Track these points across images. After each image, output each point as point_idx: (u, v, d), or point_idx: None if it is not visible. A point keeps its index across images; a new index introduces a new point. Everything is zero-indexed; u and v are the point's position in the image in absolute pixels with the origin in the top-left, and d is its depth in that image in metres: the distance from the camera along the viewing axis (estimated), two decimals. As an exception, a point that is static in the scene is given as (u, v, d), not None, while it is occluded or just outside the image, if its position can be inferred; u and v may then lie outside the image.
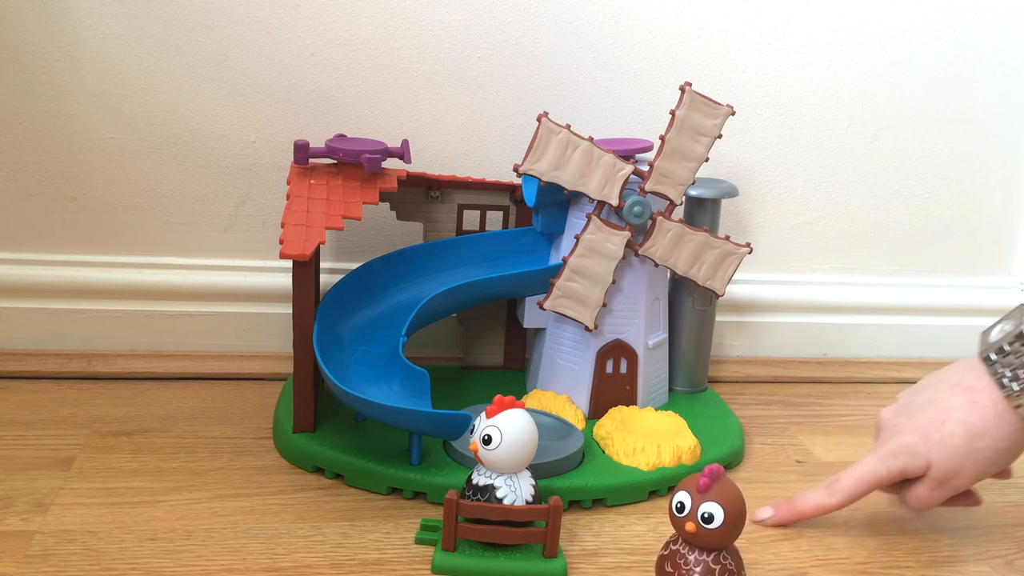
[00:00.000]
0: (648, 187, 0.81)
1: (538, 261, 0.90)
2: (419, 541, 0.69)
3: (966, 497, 0.73)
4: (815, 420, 0.97)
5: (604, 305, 0.84)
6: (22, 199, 0.93)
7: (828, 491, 0.73)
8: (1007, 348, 0.67)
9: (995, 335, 0.69)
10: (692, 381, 0.97)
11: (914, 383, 0.75)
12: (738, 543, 0.63)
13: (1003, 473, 0.73)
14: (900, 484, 0.73)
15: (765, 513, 0.75)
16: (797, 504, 0.74)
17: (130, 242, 0.96)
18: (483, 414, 0.65)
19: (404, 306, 0.86)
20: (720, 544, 0.61)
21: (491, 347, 0.97)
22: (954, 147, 1.10)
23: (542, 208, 0.85)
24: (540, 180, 0.80)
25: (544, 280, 0.84)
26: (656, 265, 0.84)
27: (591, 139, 0.80)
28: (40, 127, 0.91)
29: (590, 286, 0.83)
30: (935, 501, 0.72)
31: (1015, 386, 0.66)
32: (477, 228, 0.92)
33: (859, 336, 1.13)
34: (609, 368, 0.87)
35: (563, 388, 0.88)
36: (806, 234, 1.10)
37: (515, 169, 0.80)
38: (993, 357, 0.68)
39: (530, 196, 0.83)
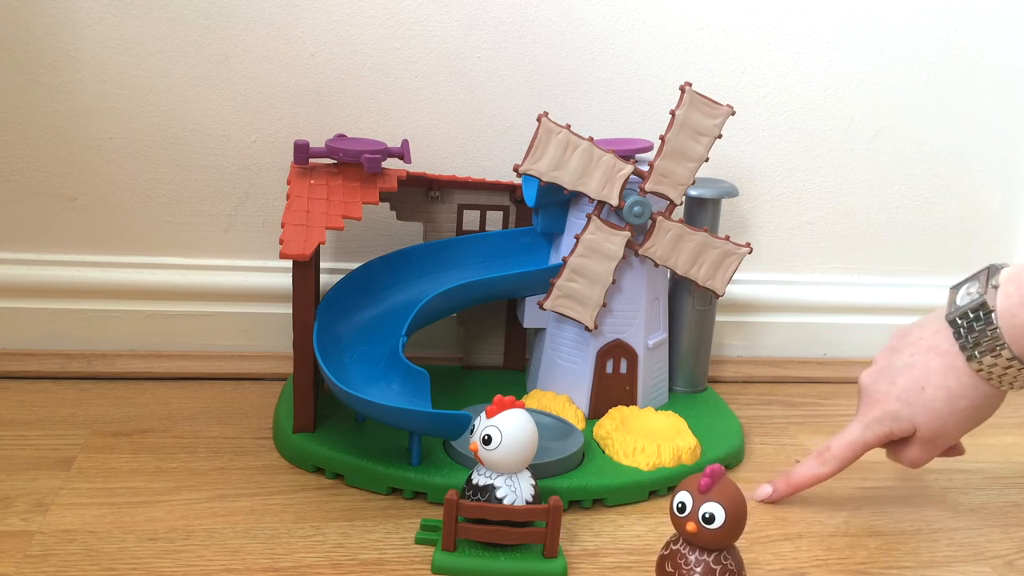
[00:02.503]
0: (648, 187, 0.81)
1: (538, 261, 0.90)
2: (419, 541, 0.69)
3: (954, 448, 0.77)
4: (815, 420, 0.97)
5: (604, 305, 0.84)
6: (22, 199, 0.93)
7: (820, 460, 0.76)
8: (970, 315, 0.68)
9: (961, 298, 0.70)
10: (692, 381, 0.97)
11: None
12: (738, 543, 0.63)
13: (955, 448, 0.77)
14: (890, 443, 0.76)
15: (765, 491, 0.78)
16: (793, 477, 0.77)
17: (130, 242, 0.96)
18: (483, 414, 0.65)
19: (404, 306, 0.86)
20: (721, 544, 0.61)
21: (491, 347, 0.97)
22: (954, 147, 1.10)
23: (542, 208, 0.85)
24: (540, 180, 0.80)
25: (544, 280, 0.84)
26: (656, 265, 0.85)
27: (591, 139, 0.80)
28: (40, 127, 0.91)
29: (590, 286, 0.83)
30: (928, 459, 0.75)
31: (977, 353, 0.68)
32: (477, 228, 0.92)
33: (859, 336, 1.13)
34: (609, 368, 0.87)
35: (563, 388, 0.88)
36: (806, 234, 1.10)
37: (515, 169, 0.80)
38: (958, 322, 0.69)
39: (530, 196, 0.83)
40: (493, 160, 0.99)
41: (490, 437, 0.64)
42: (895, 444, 0.76)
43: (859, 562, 0.71)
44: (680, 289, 0.94)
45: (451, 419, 0.72)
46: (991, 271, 0.69)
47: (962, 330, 0.68)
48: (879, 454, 0.89)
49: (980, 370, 0.68)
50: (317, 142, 0.87)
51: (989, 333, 0.67)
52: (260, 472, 0.77)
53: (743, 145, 1.05)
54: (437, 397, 0.77)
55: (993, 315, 0.66)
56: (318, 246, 0.76)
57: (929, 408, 0.71)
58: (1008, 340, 0.66)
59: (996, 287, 0.67)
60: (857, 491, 0.82)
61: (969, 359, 0.68)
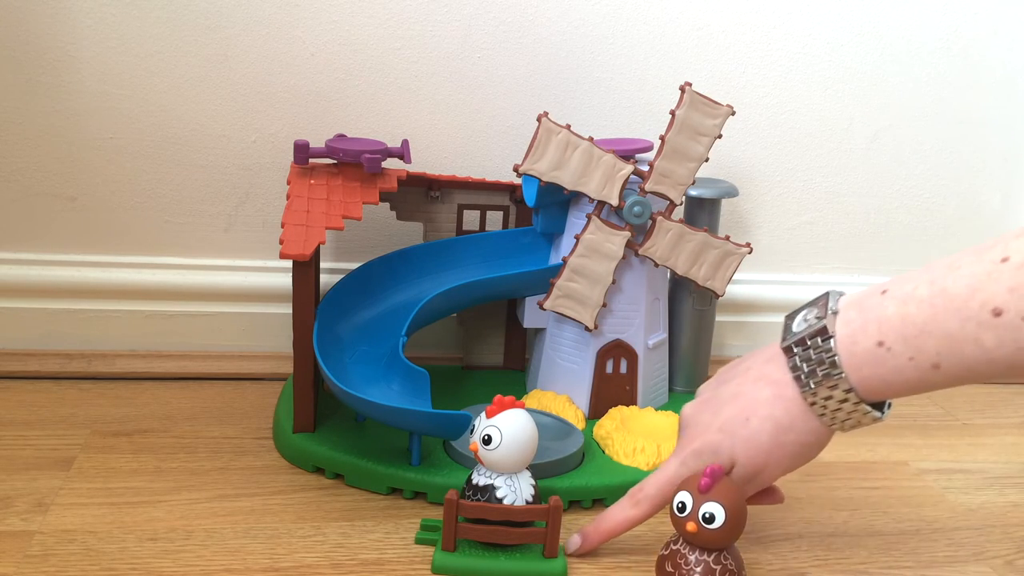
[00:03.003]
0: (648, 187, 0.81)
1: (538, 261, 0.90)
2: (419, 541, 0.69)
3: (770, 495, 0.69)
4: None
5: (604, 305, 0.84)
6: (22, 199, 0.93)
7: (632, 501, 0.68)
8: (808, 342, 0.61)
9: (798, 325, 0.63)
10: (692, 381, 0.97)
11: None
12: (738, 543, 0.63)
13: (773, 495, 0.69)
14: None
15: (574, 542, 0.69)
16: (603, 524, 0.69)
17: (130, 242, 0.96)
18: (483, 414, 0.65)
19: (404, 306, 0.86)
20: (721, 544, 0.61)
21: (491, 347, 0.97)
22: (954, 147, 1.10)
23: (542, 208, 0.85)
24: (540, 180, 0.80)
25: (544, 280, 0.84)
26: (656, 265, 0.84)
27: (591, 139, 0.80)
28: (40, 127, 0.91)
29: (590, 286, 0.83)
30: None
31: (812, 384, 0.61)
32: (477, 228, 0.92)
33: (859, 336, 1.12)
34: (609, 368, 0.87)
35: (563, 388, 0.88)
36: (806, 234, 1.10)
37: (515, 169, 0.80)
38: (794, 349, 0.62)
39: (530, 196, 0.83)
40: (493, 160, 0.99)
41: (490, 437, 0.64)
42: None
43: (859, 562, 0.71)
44: (680, 289, 0.94)
45: (451, 419, 0.72)
46: (830, 297, 0.63)
47: (798, 359, 0.61)
48: (879, 454, 0.89)
49: (814, 403, 0.61)
50: (317, 142, 0.87)
51: (827, 360, 0.60)
52: (260, 472, 0.77)
53: (743, 145, 1.05)
54: (437, 397, 0.77)
55: (832, 341, 0.59)
56: (318, 246, 0.76)
57: (752, 440, 0.63)
58: (846, 368, 0.59)
59: (836, 312, 0.60)
60: (857, 491, 0.82)
61: (803, 390, 0.61)
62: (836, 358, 0.59)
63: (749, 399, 0.64)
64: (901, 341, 0.57)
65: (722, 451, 0.64)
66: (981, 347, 0.54)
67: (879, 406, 0.61)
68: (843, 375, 0.59)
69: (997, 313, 0.53)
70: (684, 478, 0.64)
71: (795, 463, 0.65)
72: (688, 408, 0.69)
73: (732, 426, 0.64)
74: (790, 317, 0.64)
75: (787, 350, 0.62)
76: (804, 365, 0.61)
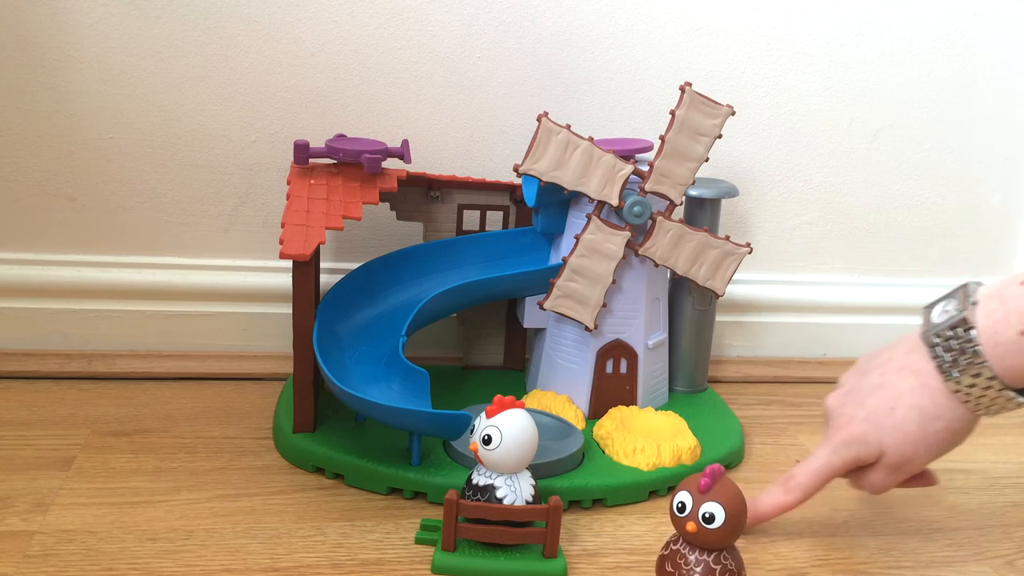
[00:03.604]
0: (648, 187, 0.81)
1: (538, 261, 0.90)
2: (419, 541, 0.69)
3: (924, 478, 0.72)
4: (815, 420, 0.97)
5: (604, 305, 0.84)
6: (22, 199, 0.93)
7: (785, 489, 0.71)
8: (949, 333, 0.64)
9: (937, 316, 0.66)
10: (692, 381, 0.97)
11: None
12: (738, 543, 0.63)
13: (926, 478, 0.72)
14: (854, 470, 0.71)
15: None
16: (757, 507, 0.72)
17: (130, 242, 0.96)
18: (483, 414, 0.65)
19: (404, 306, 0.86)
20: (721, 544, 0.61)
21: (491, 347, 0.97)
22: (954, 147, 1.10)
23: (542, 208, 0.85)
24: (540, 180, 0.80)
25: (544, 280, 0.84)
26: (656, 265, 0.84)
27: (591, 139, 0.80)
28: (40, 127, 0.91)
29: (590, 286, 0.83)
30: (889, 486, 0.70)
31: (955, 372, 0.64)
32: (477, 228, 0.92)
33: (859, 336, 1.13)
34: (609, 368, 0.87)
35: (563, 388, 0.88)
36: (806, 234, 1.10)
37: (515, 169, 0.80)
38: (934, 340, 0.65)
39: (530, 196, 0.83)
40: (493, 160, 0.99)
41: (490, 437, 0.64)
42: (856, 470, 0.71)
43: (859, 562, 0.71)
44: (680, 289, 0.94)
45: (451, 419, 0.72)
46: (967, 289, 0.66)
47: (939, 348, 0.64)
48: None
49: (958, 391, 0.64)
50: (317, 142, 0.87)
51: (969, 351, 0.63)
52: (260, 472, 0.77)
53: (743, 145, 1.05)
54: (437, 397, 0.77)
55: (973, 332, 0.62)
56: (318, 246, 0.76)
57: (899, 430, 0.66)
58: (990, 358, 0.62)
59: (975, 304, 0.64)
60: (857, 491, 0.82)
61: (947, 379, 0.64)
62: (979, 348, 0.62)
63: (893, 389, 0.67)
64: None
65: (870, 440, 0.68)
66: None
67: (1022, 391, 0.64)
68: (986, 364, 0.62)
69: None
70: (836, 468, 0.69)
71: (944, 449, 0.67)
72: (831, 399, 0.72)
73: (877, 416, 0.67)
74: (928, 308, 0.67)
75: (928, 341, 0.65)
76: (946, 355, 0.64)
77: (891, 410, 0.67)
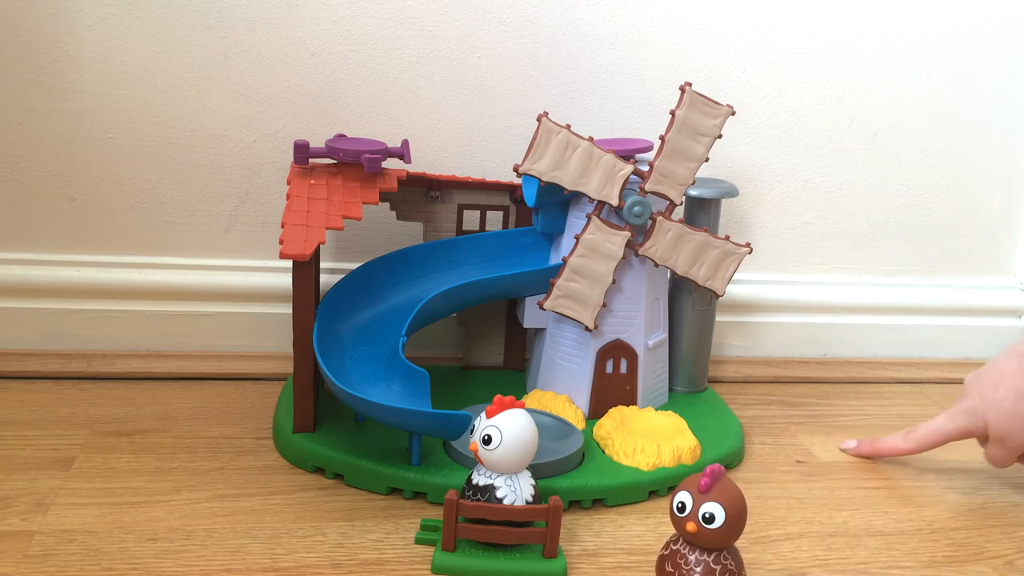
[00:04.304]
0: (648, 187, 0.81)
1: (538, 261, 0.90)
2: (419, 541, 0.69)
3: None
4: (815, 420, 0.97)
5: (604, 305, 0.84)
6: (22, 199, 0.93)
7: (904, 437, 0.82)
8: None
9: None
10: (692, 381, 0.97)
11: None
12: (738, 543, 0.63)
13: None
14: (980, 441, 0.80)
15: (850, 444, 0.86)
16: (878, 443, 0.85)
17: (130, 242, 0.96)
18: (483, 414, 0.65)
19: (404, 306, 0.86)
20: (721, 544, 0.61)
21: (491, 347, 0.97)
22: (954, 147, 1.10)
23: (542, 208, 0.85)
24: (540, 180, 0.80)
25: (544, 280, 0.84)
26: (656, 265, 0.85)
27: (591, 139, 0.80)
28: (40, 127, 0.91)
29: (590, 286, 0.83)
30: (1005, 459, 0.77)
31: None
32: (477, 228, 0.92)
33: (859, 336, 1.13)
34: (609, 368, 0.87)
35: (563, 388, 0.88)
36: (806, 234, 1.10)
37: (515, 169, 0.80)
38: None
39: (530, 196, 0.83)
40: (493, 160, 0.99)
41: (490, 437, 0.64)
42: (984, 443, 0.79)
43: (859, 562, 0.71)
44: (680, 289, 0.94)
45: (451, 419, 0.72)
46: None
47: None
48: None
49: None
50: (317, 142, 0.87)
51: None
52: (260, 472, 0.77)
53: (743, 145, 1.05)
54: (437, 397, 0.77)
55: None
56: (318, 246, 0.76)
57: (998, 407, 0.73)
58: None
59: None
60: (857, 491, 0.82)
61: None
62: None
63: (1001, 369, 0.75)
64: None
65: (977, 413, 0.76)
66: None
67: None
68: None
69: None
70: (949, 432, 0.79)
71: None
72: (969, 375, 0.80)
73: (986, 392, 0.75)
74: None
75: None
76: None
77: (995, 388, 0.74)
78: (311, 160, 0.85)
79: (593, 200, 0.82)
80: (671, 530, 0.63)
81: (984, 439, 0.78)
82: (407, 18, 0.94)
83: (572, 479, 0.76)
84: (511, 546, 0.67)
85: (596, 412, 0.87)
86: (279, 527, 0.70)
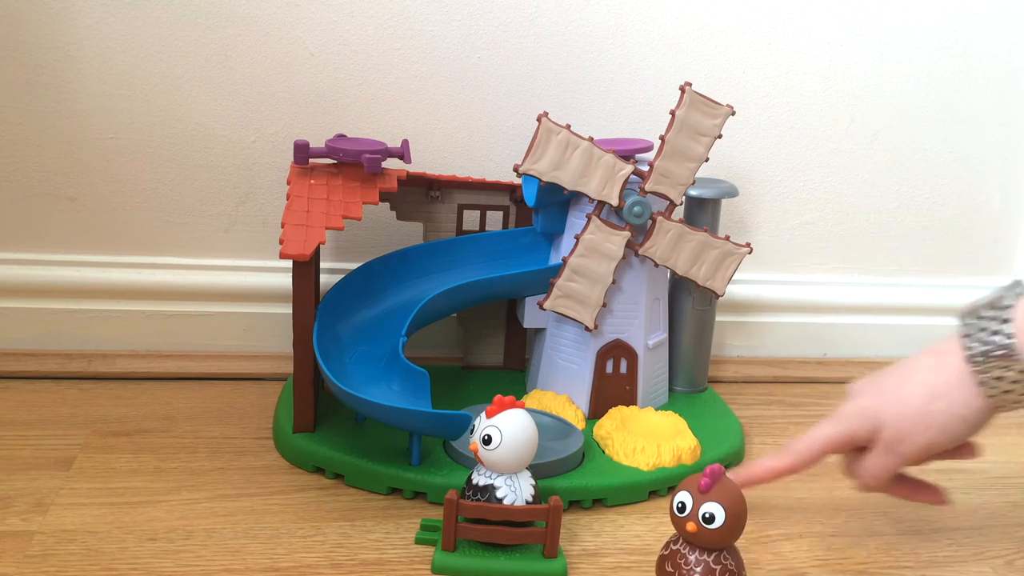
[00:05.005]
0: (648, 187, 0.81)
1: (538, 261, 0.90)
2: (419, 541, 0.69)
3: (930, 492, 0.70)
4: (815, 420, 0.95)
5: (604, 305, 0.84)
6: (22, 199, 0.93)
7: (779, 454, 0.70)
8: (982, 313, 0.63)
9: (977, 307, 0.64)
10: (692, 381, 0.97)
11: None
12: (738, 543, 0.63)
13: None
14: (851, 455, 0.70)
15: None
16: (751, 468, 0.71)
17: (130, 242, 0.96)
18: (483, 414, 0.65)
19: (404, 306, 0.86)
20: (721, 544, 0.61)
21: (491, 347, 0.97)
22: (954, 147, 1.10)
23: (542, 208, 0.85)
24: (540, 180, 0.80)
25: (544, 280, 0.84)
26: (656, 265, 0.84)
27: (591, 139, 0.80)
28: (40, 127, 0.91)
29: (590, 286, 0.83)
30: (885, 470, 0.67)
31: (984, 363, 0.62)
32: (477, 228, 0.92)
33: (859, 336, 1.13)
34: (609, 368, 0.87)
35: (563, 388, 0.88)
36: (806, 234, 1.10)
37: (515, 169, 0.80)
38: (969, 330, 0.63)
39: (530, 196, 0.83)
40: (493, 160, 0.99)
41: (490, 437, 0.64)
42: (854, 456, 0.69)
43: (859, 562, 0.71)
44: (680, 289, 0.94)
45: (451, 419, 0.72)
46: (1017, 284, 0.64)
47: (971, 339, 0.63)
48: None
49: (983, 382, 0.62)
50: (317, 142, 0.87)
51: (1004, 344, 0.61)
52: (260, 472, 0.77)
53: (743, 145, 1.05)
54: (437, 397, 0.77)
55: (1010, 325, 0.61)
56: (318, 246, 0.76)
57: (902, 402, 0.64)
58: (1023, 352, 0.60)
59: (1021, 295, 0.62)
60: (857, 491, 0.82)
61: (973, 364, 0.62)
62: (1014, 343, 0.60)
63: (910, 367, 0.66)
64: None
65: (868, 412, 0.66)
66: None
67: None
68: (1018, 357, 0.60)
69: None
70: (832, 438, 0.67)
71: (940, 436, 0.64)
72: (854, 382, 0.70)
73: (886, 389, 0.66)
74: (972, 302, 0.65)
75: (963, 330, 0.63)
76: (978, 345, 0.62)
77: (900, 384, 0.66)
78: (311, 160, 0.85)
79: (593, 200, 0.82)
80: (671, 530, 0.63)
81: (869, 445, 0.67)
82: (407, 18, 0.94)
83: (572, 479, 0.76)
84: (511, 546, 0.67)
85: (596, 412, 0.87)
86: (279, 527, 0.70)
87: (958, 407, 0.63)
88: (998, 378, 0.61)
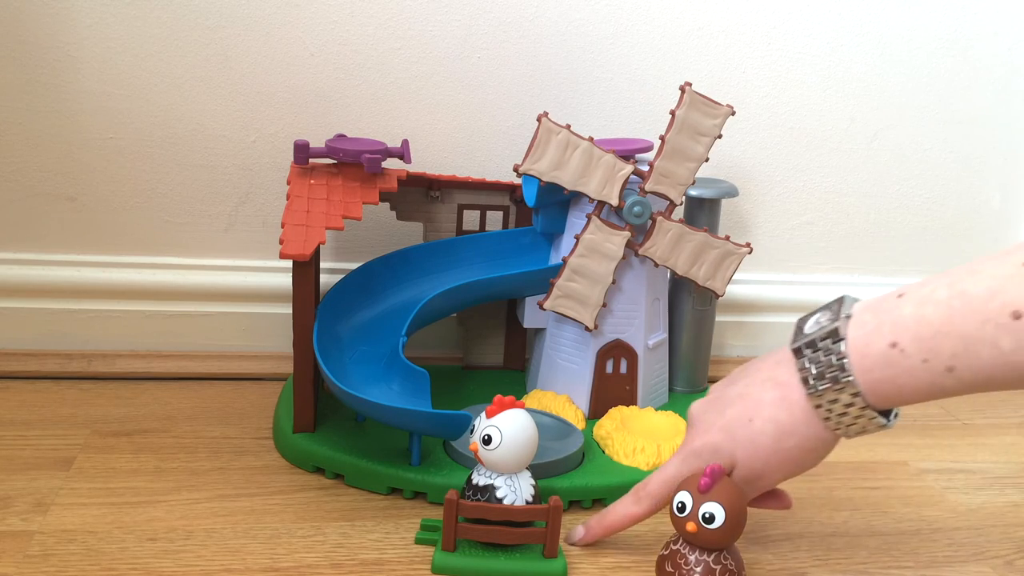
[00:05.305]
0: (648, 187, 0.81)
1: (538, 261, 0.90)
2: (419, 541, 0.69)
3: (778, 499, 0.69)
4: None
5: (604, 305, 0.84)
6: (22, 199, 0.93)
7: (635, 499, 0.68)
8: (819, 344, 0.60)
9: (809, 328, 0.62)
10: (692, 381, 0.97)
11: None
12: (738, 543, 0.63)
13: (780, 499, 0.68)
14: None
15: (578, 532, 0.70)
16: (605, 518, 0.69)
17: (130, 242, 0.96)
18: (483, 414, 0.65)
19: (404, 306, 0.86)
20: (721, 544, 0.61)
21: (491, 347, 0.97)
22: (954, 147, 1.10)
23: (542, 208, 0.85)
24: (540, 180, 0.80)
25: (544, 280, 0.84)
26: (656, 265, 0.85)
27: (591, 139, 0.80)
28: (40, 127, 0.91)
29: (590, 286, 0.83)
30: None
31: (819, 386, 0.59)
32: (477, 228, 0.92)
33: (859, 336, 1.12)
34: (609, 368, 0.87)
35: (563, 388, 0.88)
36: (806, 234, 1.10)
37: (515, 169, 0.80)
38: (804, 351, 0.61)
39: (530, 196, 0.83)
40: (493, 160, 0.99)
41: (490, 437, 0.64)
42: None
43: (859, 562, 0.71)
44: (680, 289, 0.94)
45: (451, 419, 0.72)
46: (844, 301, 0.61)
47: (806, 360, 0.60)
48: (879, 454, 0.89)
49: (819, 406, 0.60)
50: (317, 142, 0.87)
51: (836, 363, 0.58)
52: (260, 472, 0.77)
53: (743, 145, 1.05)
54: (437, 397, 0.77)
55: (843, 344, 0.58)
56: (318, 246, 0.76)
57: (753, 442, 0.62)
58: (856, 372, 0.58)
59: (849, 316, 0.59)
60: (857, 491, 0.82)
61: (810, 393, 0.60)
62: (845, 361, 0.58)
63: (754, 400, 0.63)
64: (915, 342, 0.56)
65: (722, 451, 0.64)
66: (998, 350, 0.53)
67: (886, 413, 0.60)
68: (852, 379, 0.58)
69: (1017, 316, 0.52)
70: (684, 477, 0.64)
71: (795, 469, 0.63)
72: (696, 406, 0.68)
73: (734, 426, 0.63)
74: (803, 320, 0.63)
75: (797, 352, 0.61)
76: (812, 367, 0.60)
77: (749, 421, 0.63)
78: (311, 160, 0.85)
79: (593, 200, 0.82)
80: (671, 530, 0.63)
81: None
82: (407, 18, 0.94)
83: (572, 479, 0.76)
84: (511, 546, 0.67)
85: (596, 412, 0.87)
86: (279, 527, 0.70)
87: (807, 441, 0.62)
88: (833, 401, 0.59)
